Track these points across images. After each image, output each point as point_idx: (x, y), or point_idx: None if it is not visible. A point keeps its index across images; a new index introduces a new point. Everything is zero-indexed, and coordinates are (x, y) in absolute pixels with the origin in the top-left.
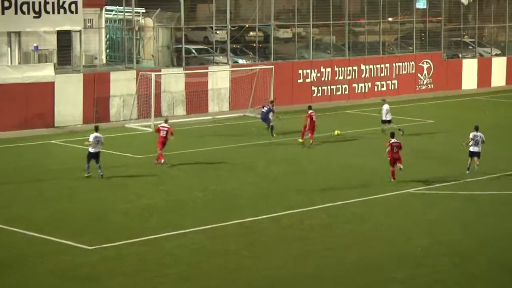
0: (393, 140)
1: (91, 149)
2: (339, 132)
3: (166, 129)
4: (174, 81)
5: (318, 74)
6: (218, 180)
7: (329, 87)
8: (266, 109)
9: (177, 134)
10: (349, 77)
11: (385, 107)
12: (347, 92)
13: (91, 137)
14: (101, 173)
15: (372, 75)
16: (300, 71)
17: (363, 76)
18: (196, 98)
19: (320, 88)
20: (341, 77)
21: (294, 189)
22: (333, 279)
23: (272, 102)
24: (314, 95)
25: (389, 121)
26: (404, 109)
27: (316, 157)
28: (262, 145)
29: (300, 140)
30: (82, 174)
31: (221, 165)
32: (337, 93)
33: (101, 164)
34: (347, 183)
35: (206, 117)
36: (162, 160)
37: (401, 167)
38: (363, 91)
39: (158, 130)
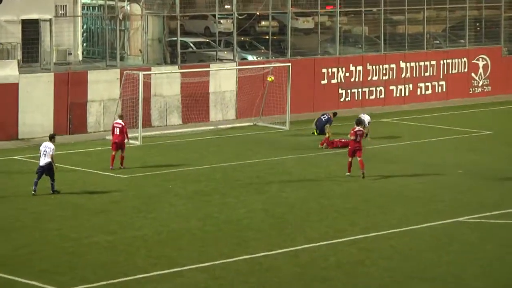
0: (357, 128)
1: (44, 163)
2: (272, 78)
3: (120, 126)
4: (167, 82)
5: (347, 74)
6: (222, 206)
7: (360, 90)
8: (326, 118)
9: (171, 147)
10: (385, 78)
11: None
12: (382, 96)
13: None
14: (55, 190)
15: (414, 75)
16: (324, 70)
17: (402, 76)
18: (195, 103)
19: (349, 91)
20: (375, 78)
21: (315, 217)
22: None
23: (335, 114)
24: (342, 99)
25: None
26: (454, 117)
27: (342, 177)
28: (275, 162)
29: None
30: (30, 192)
31: (225, 187)
32: (370, 97)
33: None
34: (383, 209)
35: (207, 128)
36: (111, 167)
37: (363, 173)
38: (402, 94)
39: (112, 128)
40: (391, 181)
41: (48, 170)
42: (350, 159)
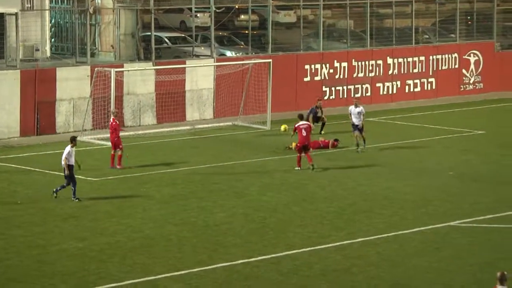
0: (301, 122)
1: (63, 164)
2: (286, 127)
3: (110, 123)
4: (141, 80)
5: (331, 71)
6: (199, 211)
7: (345, 88)
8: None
9: (146, 149)
10: (372, 74)
11: (355, 109)
12: (368, 93)
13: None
14: (76, 198)
15: (402, 72)
16: (307, 67)
17: (390, 72)
18: (170, 102)
19: (333, 88)
20: (361, 74)
21: (298, 222)
22: None
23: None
24: (326, 97)
25: (358, 128)
26: (445, 116)
27: (327, 180)
28: (255, 164)
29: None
30: (17, 201)
31: (203, 190)
32: (356, 95)
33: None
34: (369, 214)
35: (184, 128)
36: (112, 166)
37: (313, 165)
38: (390, 92)
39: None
40: (378, 183)
41: (67, 175)
42: (298, 154)
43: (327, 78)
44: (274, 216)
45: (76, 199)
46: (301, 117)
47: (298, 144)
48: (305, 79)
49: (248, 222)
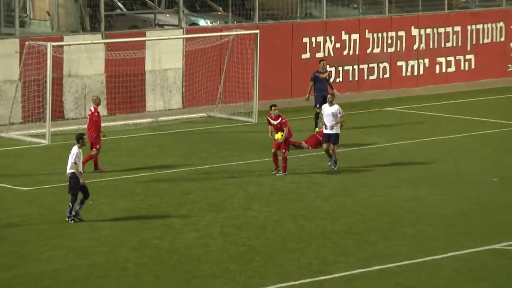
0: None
1: (68, 172)
2: (281, 135)
3: (89, 113)
4: (86, 57)
5: (337, 45)
6: (165, 230)
7: (356, 68)
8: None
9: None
10: (391, 50)
11: (330, 109)
12: (387, 75)
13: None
14: (75, 214)
15: (431, 46)
16: (306, 40)
17: (415, 47)
18: (125, 87)
19: (340, 69)
20: (377, 50)
21: (294, 244)
22: None
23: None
24: (331, 80)
25: (332, 138)
26: (486, 105)
27: (332, 188)
28: (238, 168)
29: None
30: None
31: (170, 203)
32: (371, 78)
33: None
34: (387, 233)
35: (143, 121)
36: (97, 170)
37: (284, 167)
38: (415, 73)
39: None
40: (398, 193)
41: (72, 185)
42: (274, 156)
43: (332, 54)
44: (263, 237)
45: (78, 219)
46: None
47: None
48: (304, 56)
49: (229, 245)
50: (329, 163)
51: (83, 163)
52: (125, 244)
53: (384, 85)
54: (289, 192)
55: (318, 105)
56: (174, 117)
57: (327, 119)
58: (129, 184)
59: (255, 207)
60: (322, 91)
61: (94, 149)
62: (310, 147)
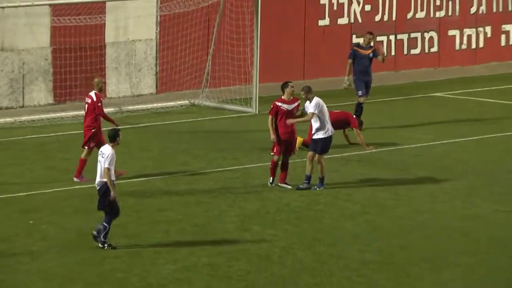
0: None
1: (97, 183)
2: (301, 141)
3: (89, 102)
4: (25, 25)
5: (367, 8)
6: (132, 260)
7: (392, 38)
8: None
9: (34, 148)
10: (440, 14)
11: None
12: (434, 48)
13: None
14: (104, 242)
15: (495, 9)
16: (324, 1)
17: (472, 10)
18: (78, 65)
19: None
20: (420, 15)
21: (310, 278)
22: None
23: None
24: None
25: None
26: None
27: (357, 203)
28: (233, 176)
29: None
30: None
31: (138, 223)
32: (412, 52)
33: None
34: (434, 263)
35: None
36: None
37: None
38: (473, 46)
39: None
40: (449, 209)
41: (102, 198)
42: (273, 160)
43: (359, 21)
44: (266, 270)
45: (108, 245)
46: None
47: (276, 147)
48: (321, 23)
49: (219, 280)
50: (304, 184)
51: (79, 172)
52: (79, 278)
53: (431, 62)
54: (302, 208)
55: (360, 93)
56: (145, 106)
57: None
58: (84, 197)
59: (255, 228)
60: (363, 73)
61: (87, 147)
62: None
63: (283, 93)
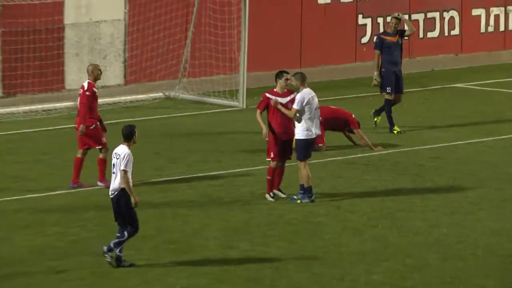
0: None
1: (111, 189)
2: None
3: (81, 91)
4: None
5: None
6: (98, 282)
7: (406, 18)
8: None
9: None
10: None
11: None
12: (456, 30)
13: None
14: (119, 258)
15: None
16: None
17: None
18: (32, 51)
19: (381, 20)
20: None
21: None
22: None
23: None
24: (365, 39)
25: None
26: None
27: (366, 216)
28: (217, 183)
29: None
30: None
31: (103, 238)
32: (429, 35)
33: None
34: None
35: (60, 105)
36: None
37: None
38: (500, 28)
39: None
40: (475, 222)
41: (119, 207)
42: (271, 166)
43: None
44: None
45: (127, 263)
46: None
47: (273, 150)
48: (322, 1)
49: None
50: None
51: (102, 175)
52: None
53: (452, 47)
54: (298, 221)
55: (389, 89)
56: (111, 100)
57: (308, 119)
58: (39, 208)
59: (242, 245)
60: (393, 64)
61: (102, 148)
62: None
63: (276, 83)
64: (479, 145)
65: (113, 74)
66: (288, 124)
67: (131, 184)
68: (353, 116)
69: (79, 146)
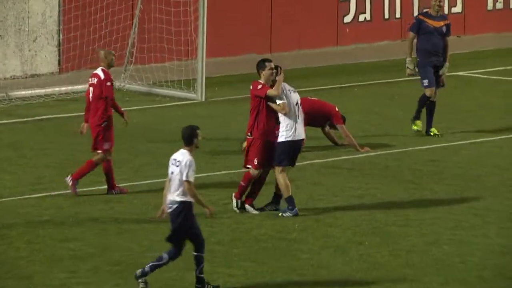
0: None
1: (168, 202)
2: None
3: (94, 82)
4: None
5: None
6: None
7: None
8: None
9: None
10: None
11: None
12: (457, 8)
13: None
14: (145, 282)
15: None
16: None
17: None
18: None
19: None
20: None
21: None
22: None
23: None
24: (347, 18)
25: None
26: None
27: (351, 230)
28: (159, 193)
29: None
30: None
31: (31, 259)
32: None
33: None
34: None
35: None
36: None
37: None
38: (508, 4)
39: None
40: (483, 238)
41: (180, 222)
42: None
43: None
44: None
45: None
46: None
47: (257, 156)
48: None
49: None
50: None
51: (80, 174)
52: None
53: (453, 28)
54: (270, 237)
55: (427, 82)
56: (42, 91)
57: (291, 118)
58: None
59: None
60: (433, 54)
61: (100, 151)
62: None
63: (259, 76)
64: (486, 145)
65: (44, 60)
66: (274, 128)
67: (199, 195)
68: (337, 109)
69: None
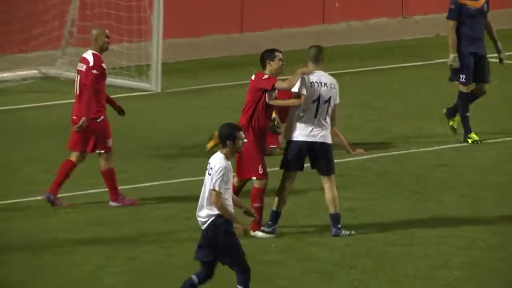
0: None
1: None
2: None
3: (83, 69)
4: None
5: None
6: None
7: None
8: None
9: None
10: None
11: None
12: None
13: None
14: None
15: None
16: None
17: None
18: None
19: None
20: None
21: None
22: None
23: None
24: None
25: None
26: None
27: (340, 251)
28: (126, 211)
29: None
30: None
31: None
32: None
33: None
34: None
35: None
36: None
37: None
38: None
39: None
40: (507, 259)
41: (209, 242)
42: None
43: None
44: None
45: None
46: (269, 54)
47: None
48: None
49: None
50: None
51: (117, 193)
52: None
53: None
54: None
55: (463, 77)
56: None
57: (307, 111)
58: None
59: None
60: (473, 42)
61: (102, 150)
62: None
63: (263, 67)
64: (504, 146)
65: None
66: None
67: (229, 208)
68: None
69: (73, 147)
